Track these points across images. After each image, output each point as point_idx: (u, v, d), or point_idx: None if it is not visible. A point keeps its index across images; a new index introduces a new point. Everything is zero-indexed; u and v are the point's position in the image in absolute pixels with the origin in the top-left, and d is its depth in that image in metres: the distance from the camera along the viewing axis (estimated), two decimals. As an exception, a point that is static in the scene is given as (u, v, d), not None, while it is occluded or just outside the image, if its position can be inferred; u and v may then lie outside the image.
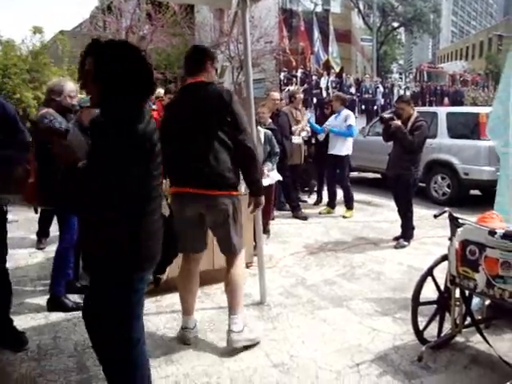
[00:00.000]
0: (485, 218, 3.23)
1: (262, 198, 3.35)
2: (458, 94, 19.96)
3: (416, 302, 3.32)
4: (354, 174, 10.87)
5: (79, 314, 3.90)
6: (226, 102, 3.12)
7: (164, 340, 3.56)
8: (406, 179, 5.88)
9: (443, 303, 3.38)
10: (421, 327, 3.39)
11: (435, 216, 3.22)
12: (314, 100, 14.55)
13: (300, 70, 15.53)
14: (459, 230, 3.06)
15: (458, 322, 3.41)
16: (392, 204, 6.49)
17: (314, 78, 15.67)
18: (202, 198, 3.18)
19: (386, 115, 6.22)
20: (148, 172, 2.08)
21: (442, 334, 3.43)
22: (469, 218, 3.24)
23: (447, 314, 3.43)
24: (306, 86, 14.47)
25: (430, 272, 3.34)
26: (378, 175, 10.68)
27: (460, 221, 3.11)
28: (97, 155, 1.97)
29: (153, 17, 13.99)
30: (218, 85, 3.33)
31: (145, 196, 2.10)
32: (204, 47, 3.49)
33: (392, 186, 6.21)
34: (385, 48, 35.85)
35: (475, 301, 3.65)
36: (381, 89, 17.14)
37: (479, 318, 3.56)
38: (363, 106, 16.39)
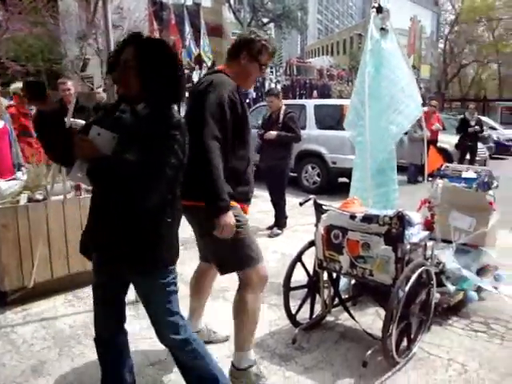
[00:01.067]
0: (347, 203, 3.45)
1: (223, 219, 2.51)
2: (325, 88, 21.03)
3: (287, 287, 3.46)
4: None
5: None
6: (203, 90, 2.65)
7: (32, 351, 3.32)
8: (282, 169, 6.16)
9: (313, 286, 3.57)
10: (294, 311, 3.55)
11: (300, 204, 3.37)
12: (186, 94, 14.44)
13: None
14: (323, 216, 3.25)
15: (327, 302, 3.63)
16: (266, 195, 6.68)
17: (186, 72, 15.55)
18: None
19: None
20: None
21: (314, 316, 3.63)
22: (334, 204, 3.44)
23: (318, 296, 3.62)
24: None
25: (298, 258, 3.49)
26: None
27: (324, 207, 3.29)
28: (152, 146, 1.99)
29: (7, 2, 12.74)
30: (218, 74, 2.76)
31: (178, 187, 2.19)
32: (245, 36, 2.86)
33: (265, 176, 6.40)
34: (255, 43, 36.65)
35: (342, 281, 3.90)
36: (253, 82, 17.49)
37: (346, 297, 3.81)
38: (235, 99, 16.58)
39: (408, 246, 3.01)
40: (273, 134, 6.10)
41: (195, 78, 15.20)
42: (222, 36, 26.78)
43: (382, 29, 4.26)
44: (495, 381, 3.00)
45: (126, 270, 2.19)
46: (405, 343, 3.20)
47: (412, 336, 3.24)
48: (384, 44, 4.15)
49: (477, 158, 12.26)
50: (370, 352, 3.07)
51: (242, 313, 2.79)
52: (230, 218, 2.53)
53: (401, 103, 4.16)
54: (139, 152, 1.99)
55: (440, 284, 3.74)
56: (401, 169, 10.79)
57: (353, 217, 3.10)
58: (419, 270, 3.04)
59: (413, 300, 3.10)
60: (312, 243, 3.45)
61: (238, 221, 2.65)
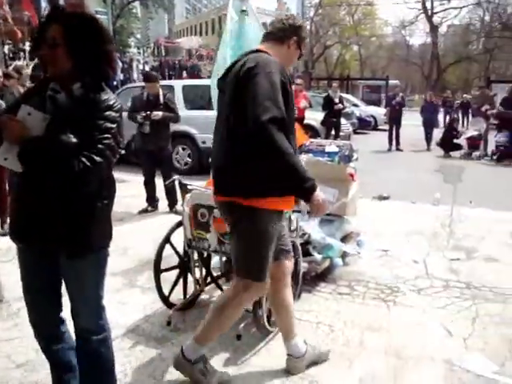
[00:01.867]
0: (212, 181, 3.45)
1: (314, 199, 2.34)
2: (195, 68, 20.90)
3: (157, 269, 3.40)
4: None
5: None
6: (248, 73, 2.31)
7: None
8: (170, 150, 6.50)
9: (184, 266, 3.54)
10: (168, 293, 3.50)
11: (166, 185, 3.32)
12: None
13: (28, 43, 14.16)
14: (187, 195, 3.22)
15: (200, 281, 3.63)
16: (137, 178, 6.52)
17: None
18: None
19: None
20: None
21: (188, 296, 3.61)
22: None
23: (191, 276, 3.60)
24: (36, 60, 13.30)
25: (167, 239, 3.43)
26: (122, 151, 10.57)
27: (189, 187, 3.27)
28: (89, 128, 1.94)
29: None
30: (263, 54, 2.44)
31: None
32: (294, 21, 2.63)
33: (154, 159, 6.27)
34: (121, 22, 34.81)
35: (216, 259, 3.93)
36: (119, 63, 16.84)
37: (219, 274, 3.85)
38: (102, 82, 15.86)
39: (272, 219, 3.08)
40: (159, 114, 6.08)
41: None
42: (85, 14, 25.26)
43: (243, 11, 4.30)
44: (357, 336, 3.26)
45: (59, 251, 2.10)
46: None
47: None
48: (242, 26, 4.21)
49: (341, 134, 13.02)
50: (242, 325, 3.14)
51: (219, 315, 2.61)
52: (318, 195, 2.35)
53: None
54: (76, 134, 1.92)
55: (307, 253, 3.93)
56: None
57: (218, 194, 3.10)
58: (284, 242, 3.13)
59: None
60: (180, 223, 3.42)
61: (267, 230, 2.45)
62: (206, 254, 3.58)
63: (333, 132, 12.57)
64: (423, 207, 6.80)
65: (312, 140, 5.37)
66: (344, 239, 4.60)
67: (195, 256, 3.51)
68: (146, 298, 3.80)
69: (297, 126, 6.36)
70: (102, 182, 2.06)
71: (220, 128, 2.50)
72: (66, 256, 2.09)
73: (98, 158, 1.92)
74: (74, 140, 1.91)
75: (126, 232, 5.47)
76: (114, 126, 1.99)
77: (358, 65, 52.60)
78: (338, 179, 4.37)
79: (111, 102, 2.02)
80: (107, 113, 1.98)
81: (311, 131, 11.68)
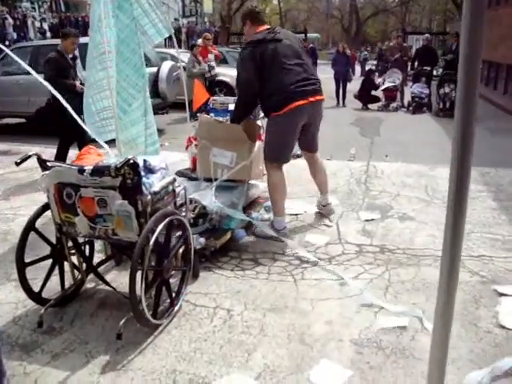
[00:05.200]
0: (82, 154, 2.92)
1: None
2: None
3: (21, 262, 2.81)
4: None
5: None
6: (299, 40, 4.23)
7: None
8: None
9: (58, 255, 3.00)
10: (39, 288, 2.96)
11: (17, 163, 2.71)
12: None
13: None
14: (44, 173, 2.66)
15: (81, 270, 3.13)
16: (30, 149, 5.77)
17: None
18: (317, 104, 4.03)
19: None
20: None
21: (66, 288, 3.09)
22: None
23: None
24: None
25: (31, 225, 2.85)
26: (22, 119, 9.63)
27: (49, 164, 2.70)
28: None
29: None
30: None
31: None
32: None
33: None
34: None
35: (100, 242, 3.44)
36: (10, 20, 14.94)
37: (104, 258, 3.36)
38: (-9, 43, 14.32)
39: (149, 197, 2.61)
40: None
41: None
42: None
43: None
44: (258, 319, 2.91)
45: None
46: (168, 300, 2.90)
47: (175, 291, 2.95)
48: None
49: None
50: (123, 321, 2.68)
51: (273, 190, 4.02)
52: None
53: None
54: None
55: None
56: (180, 106, 10.56)
57: (81, 171, 2.56)
58: (165, 221, 2.66)
59: (165, 254, 2.75)
60: (46, 206, 2.87)
61: None
62: (83, 239, 3.07)
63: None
64: (338, 164, 6.52)
65: (215, 98, 4.90)
66: (250, 205, 4.24)
67: (70, 243, 2.98)
68: (21, 294, 3.19)
69: (198, 83, 5.87)
70: None
71: (300, 59, 3.90)
72: None
73: None
74: None
75: (9, 214, 4.80)
76: None
77: (279, 19, 51.78)
78: (237, 139, 3.91)
79: None
80: None
81: (225, 88, 11.16)
